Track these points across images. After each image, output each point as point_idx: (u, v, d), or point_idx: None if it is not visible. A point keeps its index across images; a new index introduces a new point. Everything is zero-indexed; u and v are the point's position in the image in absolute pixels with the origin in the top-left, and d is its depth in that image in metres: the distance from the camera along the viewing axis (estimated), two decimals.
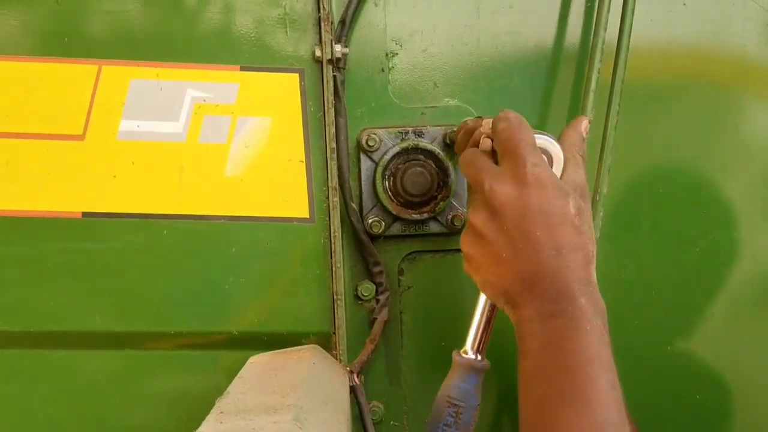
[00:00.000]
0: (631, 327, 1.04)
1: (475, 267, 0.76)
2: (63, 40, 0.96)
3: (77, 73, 0.96)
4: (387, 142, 0.99)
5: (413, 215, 0.99)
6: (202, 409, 0.71)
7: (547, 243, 0.68)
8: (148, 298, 0.98)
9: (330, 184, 0.97)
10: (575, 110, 1.00)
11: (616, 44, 0.97)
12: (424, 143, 0.98)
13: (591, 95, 0.95)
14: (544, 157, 0.76)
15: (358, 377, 0.95)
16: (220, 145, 0.97)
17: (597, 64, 0.96)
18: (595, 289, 0.70)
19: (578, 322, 0.65)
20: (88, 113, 0.96)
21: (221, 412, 0.68)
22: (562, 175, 0.76)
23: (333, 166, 0.97)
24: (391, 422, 1.04)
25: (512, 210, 0.70)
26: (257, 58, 0.97)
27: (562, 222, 0.69)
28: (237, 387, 0.77)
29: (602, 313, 0.68)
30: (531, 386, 0.67)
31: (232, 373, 0.86)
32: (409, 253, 1.03)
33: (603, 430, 0.60)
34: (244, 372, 0.85)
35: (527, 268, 0.69)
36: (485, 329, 0.82)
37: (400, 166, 0.99)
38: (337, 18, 0.97)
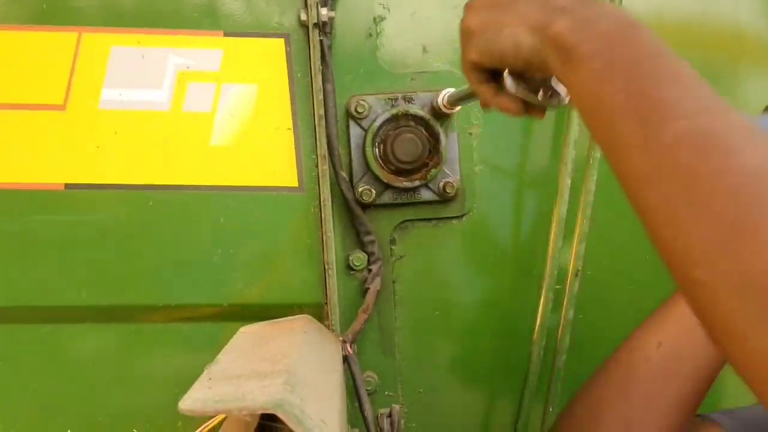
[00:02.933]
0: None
1: (495, 32, 0.63)
2: (41, 7, 0.93)
3: (56, 41, 0.94)
4: (376, 108, 0.97)
5: (404, 183, 0.98)
6: (193, 381, 0.70)
7: None
8: (134, 271, 0.97)
9: (319, 152, 0.96)
10: None
11: None
12: (415, 109, 0.97)
13: None
14: None
15: (351, 347, 0.93)
16: (204, 113, 0.95)
17: None
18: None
19: (627, 19, 0.54)
20: (69, 82, 0.94)
21: (210, 378, 0.66)
22: None
23: (321, 133, 0.95)
24: (385, 392, 1.03)
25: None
26: (241, 23, 0.95)
27: None
28: (227, 355, 0.76)
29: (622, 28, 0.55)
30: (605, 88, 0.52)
31: (223, 345, 0.84)
32: (401, 222, 1.01)
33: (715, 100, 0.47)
34: (234, 341, 0.84)
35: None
36: None
37: (390, 133, 0.97)
38: None
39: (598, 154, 0.96)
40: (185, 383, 0.70)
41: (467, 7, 0.67)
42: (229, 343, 0.82)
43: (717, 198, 0.41)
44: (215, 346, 0.92)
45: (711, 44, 1.03)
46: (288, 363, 0.71)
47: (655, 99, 0.47)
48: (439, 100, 0.95)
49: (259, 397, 0.59)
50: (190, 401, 0.59)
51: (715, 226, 0.40)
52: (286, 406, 0.58)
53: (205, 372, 0.69)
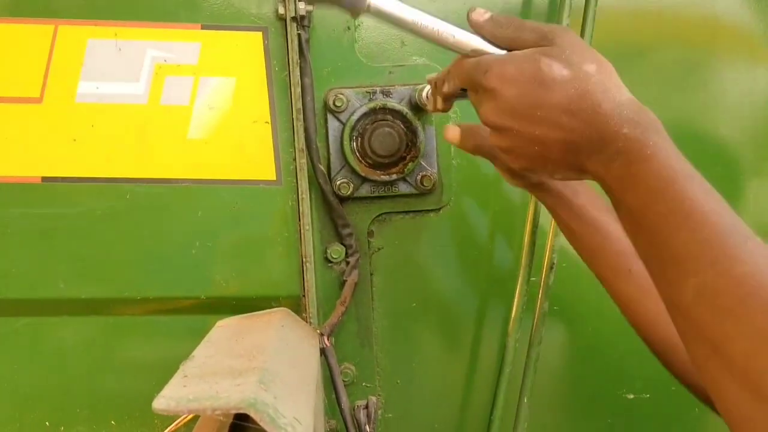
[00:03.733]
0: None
1: (515, 159, 0.67)
2: None
3: (32, 33, 0.93)
4: (354, 102, 0.98)
5: (382, 176, 0.99)
6: (172, 374, 0.71)
7: (555, 103, 0.61)
8: (112, 264, 0.97)
9: (297, 145, 0.96)
10: None
11: (584, 1, 0.96)
12: (392, 103, 0.97)
13: None
14: None
15: (328, 339, 0.95)
16: (182, 106, 0.95)
17: (565, 20, 0.95)
18: (631, 105, 0.61)
19: (634, 153, 0.57)
20: (45, 75, 0.94)
21: (185, 376, 0.67)
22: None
23: (299, 127, 0.96)
24: (363, 384, 1.04)
25: (509, 90, 0.64)
26: (219, 16, 0.95)
27: (548, 79, 0.62)
28: (202, 350, 0.77)
29: (653, 125, 0.59)
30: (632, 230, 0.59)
31: (201, 338, 0.85)
32: (379, 215, 1.02)
33: (722, 237, 0.50)
34: (211, 335, 0.84)
35: (558, 136, 0.62)
36: None
37: (368, 127, 0.98)
38: None
39: None
40: (163, 375, 0.70)
41: (493, 95, 0.65)
42: (205, 338, 0.83)
43: (737, 365, 0.45)
44: (194, 339, 0.93)
45: (687, 34, 1.04)
46: (263, 359, 0.71)
47: (667, 252, 0.52)
48: (424, 95, 0.95)
49: (233, 396, 0.60)
50: (164, 400, 0.60)
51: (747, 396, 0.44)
52: (259, 405, 0.59)
53: (180, 369, 0.70)
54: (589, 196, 0.83)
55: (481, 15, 0.69)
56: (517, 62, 0.63)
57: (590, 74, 0.61)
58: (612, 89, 0.61)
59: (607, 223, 0.82)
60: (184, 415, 0.75)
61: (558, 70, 0.61)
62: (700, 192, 0.52)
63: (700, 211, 0.51)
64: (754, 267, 0.46)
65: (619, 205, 0.59)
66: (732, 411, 0.45)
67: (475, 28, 0.69)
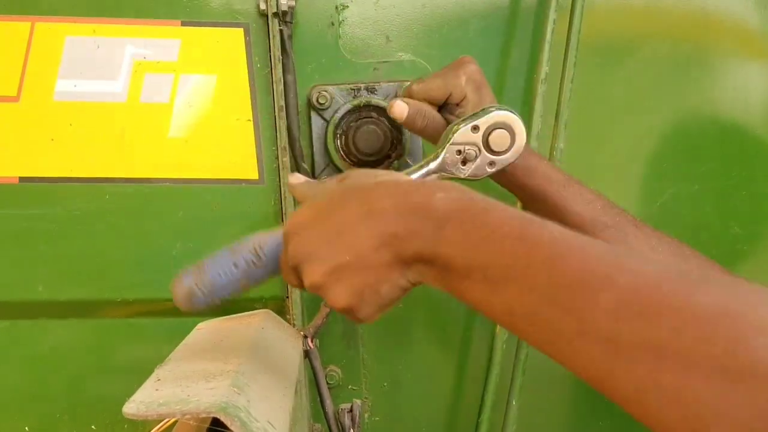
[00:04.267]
0: None
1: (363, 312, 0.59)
2: None
3: (8, 30, 0.92)
4: (338, 99, 0.97)
5: None
6: None
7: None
8: (92, 266, 0.97)
9: (279, 144, 0.95)
10: (534, 62, 0.98)
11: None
12: (377, 100, 0.96)
13: (546, 47, 0.94)
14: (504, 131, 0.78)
15: (312, 341, 0.94)
16: (162, 104, 0.94)
17: (552, 15, 0.94)
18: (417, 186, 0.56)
19: (461, 213, 0.51)
20: (22, 73, 0.93)
21: (158, 380, 0.66)
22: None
23: (282, 125, 0.95)
24: (349, 386, 1.03)
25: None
26: (199, 12, 0.94)
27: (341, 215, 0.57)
28: (178, 353, 0.76)
29: (461, 198, 0.53)
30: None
31: (182, 341, 0.85)
32: None
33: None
34: (189, 338, 0.83)
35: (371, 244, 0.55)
36: None
37: (352, 125, 0.97)
38: None
39: (561, 144, 0.96)
40: (144, 379, 0.70)
41: (290, 239, 0.61)
42: (183, 341, 0.82)
43: (696, 353, 0.38)
44: (175, 341, 0.92)
45: (677, 28, 1.02)
46: (239, 362, 0.71)
47: (565, 283, 0.44)
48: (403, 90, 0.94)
49: (204, 399, 0.59)
50: (134, 405, 0.59)
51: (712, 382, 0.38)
52: (230, 409, 0.58)
53: (155, 372, 0.69)
54: (542, 172, 0.83)
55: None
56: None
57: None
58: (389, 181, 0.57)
59: (564, 198, 0.82)
60: (165, 420, 0.74)
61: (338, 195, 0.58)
62: (562, 233, 0.47)
63: (566, 244, 0.46)
64: (659, 267, 0.42)
65: (470, 283, 0.49)
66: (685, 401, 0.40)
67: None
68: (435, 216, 0.51)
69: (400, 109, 0.82)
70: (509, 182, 0.84)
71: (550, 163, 0.85)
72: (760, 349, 0.35)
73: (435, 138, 0.83)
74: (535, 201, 0.84)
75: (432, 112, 0.84)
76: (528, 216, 0.49)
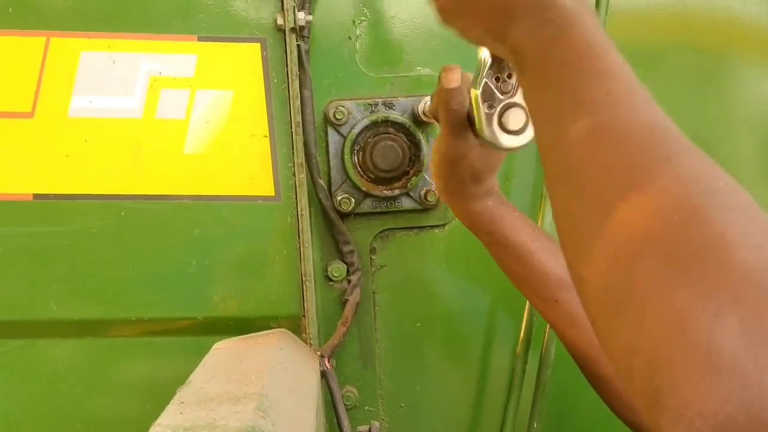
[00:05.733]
0: None
1: (449, 15, 0.67)
2: (7, 10, 0.95)
3: (24, 46, 0.95)
4: (355, 114, 0.99)
5: (384, 191, 1.00)
6: (168, 397, 0.72)
7: None
8: (106, 284, 0.98)
9: (296, 160, 0.97)
10: None
11: (594, 6, 0.97)
12: (395, 115, 0.99)
13: None
14: None
15: (329, 361, 0.95)
16: (178, 120, 0.97)
17: None
18: None
19: (568, 19, 0.55)
20: (37, 89, 0.95)
21: (182, 402, 0.68)
22: None
23: (299, 141, 0.97)
24: (366, 407, 1.05)
25: None
26: (216, 27, 0.96)
27: None
28: (199, 375, 0.78)
29: (591, 10, 0.58)
30: (539, 96, 0.56)
31: (198, 360, 0.86)
32: (381, 231, 1.03)
33: (631, 92, 0.49)
34: (207, 359, 0.85)
35: None
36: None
37: (369, 140, 0.99)
38: None
39: None
40: (159, 399, 0.71)
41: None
42: (202, 362, 0.83)
43: (593, 193, 0.43)
44: (190, 360, 0.93)
45: (702, 39, 1.05)
46: (261, 384, 0.72)
47: (571, 95, 0.49)
48: (420, 108, 0.97)
49: (231, 423, 0.61)
50: (160, 429, 0.62)
51: (591, 220, 0.42)
52: None
53: (177, 395, 0.71)
54: (510, 222, 0.83)
55: None
56: None
57: None
58: None
59: (530, 253, 0.82)
60: None
61: None
62: (620, 63, 0.51)
63: (617, 70, 0.50)
64: (654, 115, 0.47)
65: (533, 71, 0.56)
66: (581, 249, 0.44)
67: None
68: (548, 17, 0.55)
69: (455, 77, 0.79)
70: (476, 227, 0.84)
71: (520, 214, 0.85)
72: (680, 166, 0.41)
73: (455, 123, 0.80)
74: (500, 248, 0.84)
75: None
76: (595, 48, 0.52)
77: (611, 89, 0.48)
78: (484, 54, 0.73)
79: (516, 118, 0.74)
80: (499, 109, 0.73)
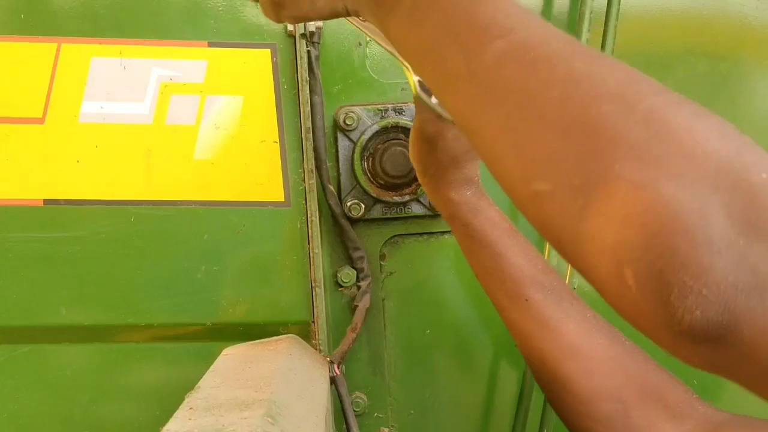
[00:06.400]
0: None
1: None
2: (19, 16, 0.96)
3: (35, 51, 0.97)
4: (365, 120, 1.00)
5: (394, 197, 1.02)
6: (177, 403, 0.73)
7: None
8: (115, 290, 1.00)
9: (306, 165, 0.99)
10: None
11: (605, 12, 0.99)
12: (405, 121, 1.00)
13: None
14: None
15: (338, 368, 0.97)
16: (188, 126, 0.98)
17: (585, 34, 0.98)
18: None
19: None
20: (48, 95, 0.97)
21: (190, 408, 0.70)
22: None
23: (309, 146, 0.98)
24: (375, 414, 1.06)
25: None
26: (226, 33, 0.98)
27: None
28: (208, 381, 0.79)
29: None
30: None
31: (207, 366, 0.87)
32: (391, 237, 1.05)
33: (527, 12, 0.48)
34: (217, 365, 0.86)
35: None
36: None
37: (379, 146, 1.00)
38: None
39: None
40: (168, 404, 0.73)
41: None
42: (211, 367, 0.85)
43: (550, 108, 0.42)
44: (199, 366, 0.95)
45: (714, 45, 1.05)
46: (270, 390, 0.74)
47: (470, 24, 0.48)
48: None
49: (240, 429, 0.63)
50: None
51: (552, 134, 0.41)
52: None
53: (186, 401, 0.73)
54: (489, 216, 0.83)
55: None
56: None
57: None
58: None
59: (506, 247, 0.82)
60: None
61: None
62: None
63: None
64: (559, 36, 0.46)
65: (412, 7, 0.53)
66: (533, 164, 0.43)
67: None
68: None
69: None
70: (452, 217, 0.84)
71: (498, 210, 0.85)
72: (609, 114, 0.39)
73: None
74: (475, 241, 0.83)
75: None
76: None
77: (510, 10, 0.48)
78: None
79: None
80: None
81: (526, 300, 0.81)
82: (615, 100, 0.39)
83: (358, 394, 1.06)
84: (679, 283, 0.34)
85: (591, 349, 0.78)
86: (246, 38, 0.98)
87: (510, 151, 0.44)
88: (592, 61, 0.42)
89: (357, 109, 1.00)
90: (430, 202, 1.02)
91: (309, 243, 1.00)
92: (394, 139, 1.00)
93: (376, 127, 1.00)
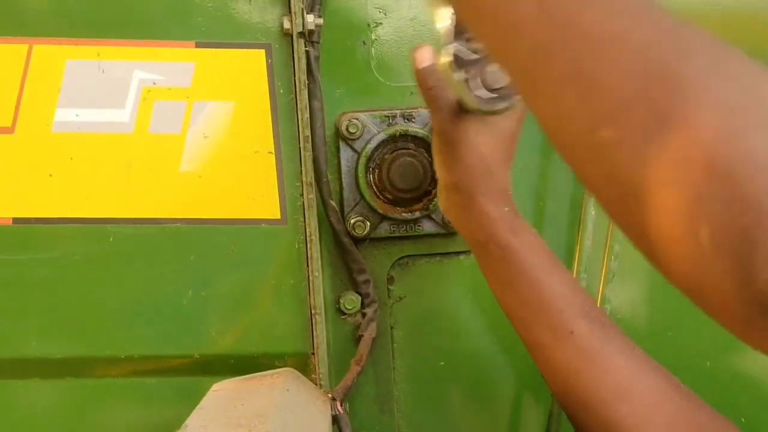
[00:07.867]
0: (666, 339, 1.03)
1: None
2: None
3: (3, 53, 0.94)
4: (371, 128, 0.97)
5: (403, 214, 0.99)
6: None
7: None
8: (92, 318, 0.97)
9: (304, 179, 0.96)
10: None
11: None
12: (414, 129, 0.97)
13: None
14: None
15: (341, 405, 0.93)
16: (173, 135, 0.96)
17: None
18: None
19: None
20: (18, 101, 0.95)
21: None
22: None
23: (308, 157, 0.96)
24: None
25: None
26: (215, 32, 0.96)
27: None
28: (196, 420, 0.76)
29: None
30: None
31: (194, 403, 0.84)
32: (400, 258, 1.02)
33: None
34: (205, 402, 0.83)
35: None
36: None
37: (386, 157, 0.98)
38: None
39: None
40: None
41: None
42: (199, 405, 0.82)
43: (632, 52, 0.42)
44: (185, 404, 0.92)
45: (759, 40, 1.03)
46: (266, 429, 0.71)
47: None
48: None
49: None
50: None
51: (630, 78, 0.42)
52: None
53: None
54: (528, 238, 0.79)
55: None
56: None
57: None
58: None
59: (549, 274, 0.78)
60: None
61: None
62: None
63: None
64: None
65: None
66: (600, 109, 0.43)
67: None
68: None
69: (426, 55, 0.79)
70: (488, 238, 0.79)
71: (534, 231, 0.81)
72: (699, 66, 0.39)
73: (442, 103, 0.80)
74: (512, 267, 0.79)
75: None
76: None
77: None
78: (445, 20, 0.70)
79: (498, 72, 0.72)
80: (476, 70, 0.71)
81: (571, 332, 0.76)
82: (708, 54, 0.39)
83: None
84: (765, 242, 0.33)
85: (644, 391, 0.74)
86: (238, 37, 0.96)
87: (575, 97, 0.44)
88: (680, 20, 0.43)
89: (361, 115, 0.98)
90: (443, 219, 0.98)
91: (308, 265, 0.97)
92: (402, 149, 0.97)
93: (382, 136, 0.97)
